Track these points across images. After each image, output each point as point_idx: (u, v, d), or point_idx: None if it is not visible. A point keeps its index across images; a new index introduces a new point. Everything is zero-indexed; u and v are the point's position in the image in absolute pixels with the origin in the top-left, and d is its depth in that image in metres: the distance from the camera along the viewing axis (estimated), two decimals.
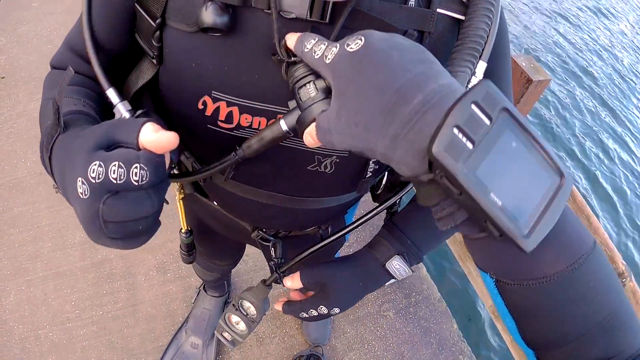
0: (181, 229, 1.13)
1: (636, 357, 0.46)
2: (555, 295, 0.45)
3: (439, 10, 0.67)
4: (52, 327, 2.10)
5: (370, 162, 0.78)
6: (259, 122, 0.71)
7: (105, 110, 0.72)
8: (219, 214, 1.03)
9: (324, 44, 0.51)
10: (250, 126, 0.71)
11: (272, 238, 1.02)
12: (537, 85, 2.04)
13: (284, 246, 1.02)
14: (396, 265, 0.82)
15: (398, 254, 0.82)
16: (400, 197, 0.84)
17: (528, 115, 2.39)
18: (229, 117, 0.71)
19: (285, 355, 2.12)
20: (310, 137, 0.55)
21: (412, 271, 0.84)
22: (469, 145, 0.37)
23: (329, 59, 0.49)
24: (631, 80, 6.47)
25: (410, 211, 0.87)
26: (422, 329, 2.30)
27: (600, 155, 5.07)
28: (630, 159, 5.17)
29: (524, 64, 2.06)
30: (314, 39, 0.53)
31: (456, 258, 2.40)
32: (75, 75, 0.79)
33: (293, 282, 0.85)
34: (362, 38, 0.47)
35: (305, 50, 0.53)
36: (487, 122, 0.38)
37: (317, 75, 0.59)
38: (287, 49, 0.60)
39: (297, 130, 0.60)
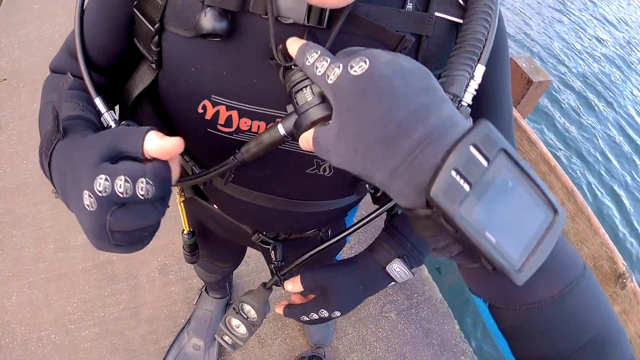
0: (183, 230, 1.13)
1: None
2: (547, 317, 0.47)
3: (436, 13, 0.66)
4: (54, 328, 2.10)
5: None
6: (258, 126, 0.71)
7: None
8: (219, 217, 1.03)
9: (326, 61, 0.49)
10: (249, 130, 0.72)
11: (272, 241, 1.02)
12: (538, 86, 2.04)
13: (284, 249, 1.02)
14: (397, 268, 0.82)
15: (398, 257, 0.82)
16: None
17: (529, 116, 2.39)
18: (229, 121, 0.71)
19: (287, 356, 2.12)
20: (305, 142, 0.54)
21: (413, 274, 0.84)
22: (466, 187, 0.38)
23: (331, 79, 0.47)
24: (635, 78, 6.46)
25: None
26: (424, 330, 2.30)
27: (602, 155, 5.05)
28: (633, 160, 5.15)
29: (524, 65, 2.07)
30: (316, 53, 0.51)
31: None
32: (74, 79, 0.80)
33: (294, 285, 0.85)
34: (367, 61, 0.45)
35: (307, 63, 0.51)
36: (485, 163, 0.39)
37: None
38: (286, 54, 0.60)
39: (294, 135, 0.60)
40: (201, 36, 0.63)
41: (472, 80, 0.65)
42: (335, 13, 0.62)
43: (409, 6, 0.65)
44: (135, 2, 0.70)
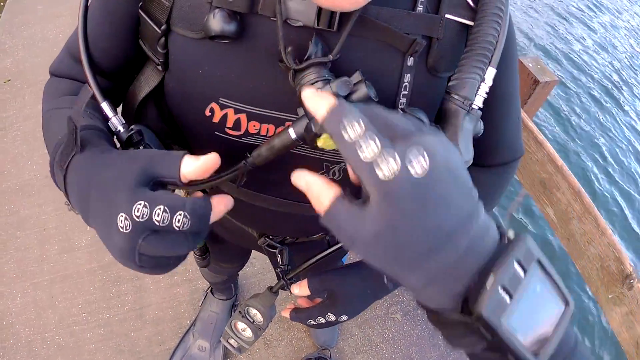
0: None
1: None
2: None
3: (447, 15, 0.65)
4: (58, 330, 2.10)
5: None
6: (267, 129, 0.70)
7: None
8: (224, 220, 1.02)
9: (376, 142, 0.39)
10: (258, 133, 0.71)
11: (278, 245, 1.01)
12: (545, 86, 2.03)
13: (290, 253, 1.01)
14: None
15: None
16: None
17: (537, 114, 2.38)
18: (237, 124, 0.70)
19: (293, 358, 2.11)
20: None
21: None
22: (508, 299, 0.40)
23: (386, 176, 0.38)
24: None
25: None
26: (430, 330, 2.28)
27: (609, 155, 5.03)
28: None
29: (530, 65, 2.06)
30: (359, 125, 0.40)
31: None
32: (76, 83, 0.79)
33: (301, 289, 0.84)
34: (426, 158, 0.39)
35: (346, 138, 0.41)
36: (522, 275, 0.41)
37: (324, 83, 0.58)
38: (296, 58, 0.59)
39: (305, 139, 0.60)
40: (209, 38, 0.63)
41: (483, 83, 0.65)
42: (345, 16, 0.61)
43: (420, 8, 0.64)
44: (141, 3, 0.69)
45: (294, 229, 0.96)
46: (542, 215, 1.95)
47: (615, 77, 6.24)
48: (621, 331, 1.67)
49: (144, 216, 0.46)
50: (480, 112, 0.67)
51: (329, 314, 0.82)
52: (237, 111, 0.68)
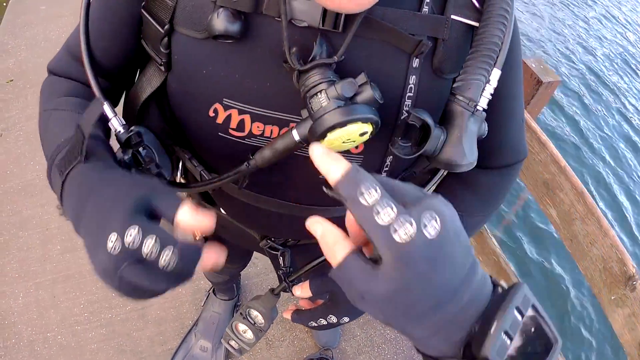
0: (195, 238, 1.12)
1: None
2: None
3: (452, 16, 0.65)
4: (60, 329, 2.10)
5: (382, 171, 0.77)
6: (271, 130, 0.70)
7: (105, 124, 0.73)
8: (226, 222, 1.02)
9: (392, 208, 0.40)
10: (262, 134, 0.70)
11: (280, 247, 1.01)
12: (547, 87, 2.02)
13: (291, 254, 1.01)
14: None
15: None
16: None
17: (540, 115, 2.37)
18: (241, 125, 0.69)
19: (294, 358, 2.11)
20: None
21: None
22: (508, 342, 0.42)
23: (402, 238, 0.39)
24: None
25: None
26: None
27: (612, 156, 5.02)
28: None
29: (533, 66, 2.05)
30: (376, 191, 0.41)
31: None
32: (75, 84, 0.79)
33: (302, 291, 0.84)
34: (438, 220, 0.41)
35: (363, 202, 0.41)
36: (520, 319, 0.43)
37: (329, 84, 0.58)
38: (300, 59, 0.59)
39: (309, 141, 0.59)
40: (213, 38, 0.62)
41: (487, 85, 0.65)
42: (351, 16, 0.60)
43: (425, 9, 0.64)
44: (144, 2, 0.69)
45: (295, 231, 0.95)
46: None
47: (619, 77, 6.23)
48: (623, 333, 1.67)
49: (135, 243, 0.47)
50: (484, 114, 0.67)
51: (331, 315, 0.82)
52: (241, 112, 0.68)
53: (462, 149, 0.65)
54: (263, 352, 2.11)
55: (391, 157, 0.74)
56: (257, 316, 0.94)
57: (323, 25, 0.61)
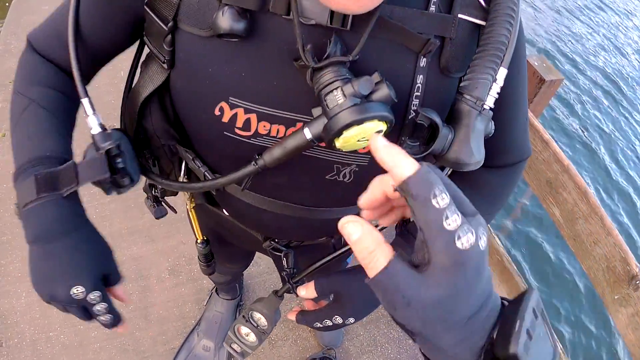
0: (197, 239, 1.11)
1: None
2: None
3: (460, 15, 0.65)
4: (63, 329, 2.10)
5: None
6: (277, 130, 0.69)
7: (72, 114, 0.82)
8: (229, 223, 1.01)
9: (459, 215, 0.41)
10: (268, 134, 0.69)
11: (283, 248, 1.00)
12: (550, 85, 2.03)
13: (295, 255, 1.01)
14: None
15: None
16: None
17: (543, 113, 2.37)
18: (247, 125, 0.69)
19: (297, 358, 2.11)
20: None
21: None
22: (529, 340, 0.43)
23: (464, 245, 0.40)
24: None
25: None
26: None
27: (616, 155, 5.00)
28: None
29: (536, 64, 2.05)
30: (447, 197, 0.41)
31: None
32: (57, 73, 0.80)
33: (307, 291, 0.83)
34: (485, 234, 0.42)
35: (435, 205, 0.41)
36: (535, 319, 0.45)
37: (345, 81, 0.57)
38: (314, 56, 0.59)
39: (322, 139, 0.59)
40: (218, 36, 0.62)
41: (494, 84, 0.64)
42: (359, 15, 0.60)
43: (432, 8, 0.63)
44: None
45: (300, 233, 0.95)
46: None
47: (623, 75, 6.22)
48: (627, 332, 1.66)
49: (94, 301, 0.73)
50: (491, 113, 0.66)
51: (336, 316, 0.82)
52: (247, 111, 0.67)
53: (470, 148, 0.65)
54: (266, 352, 2.10)
55: None
56: (260, 319, 0.93)
57: (331, 24, 0.60)
